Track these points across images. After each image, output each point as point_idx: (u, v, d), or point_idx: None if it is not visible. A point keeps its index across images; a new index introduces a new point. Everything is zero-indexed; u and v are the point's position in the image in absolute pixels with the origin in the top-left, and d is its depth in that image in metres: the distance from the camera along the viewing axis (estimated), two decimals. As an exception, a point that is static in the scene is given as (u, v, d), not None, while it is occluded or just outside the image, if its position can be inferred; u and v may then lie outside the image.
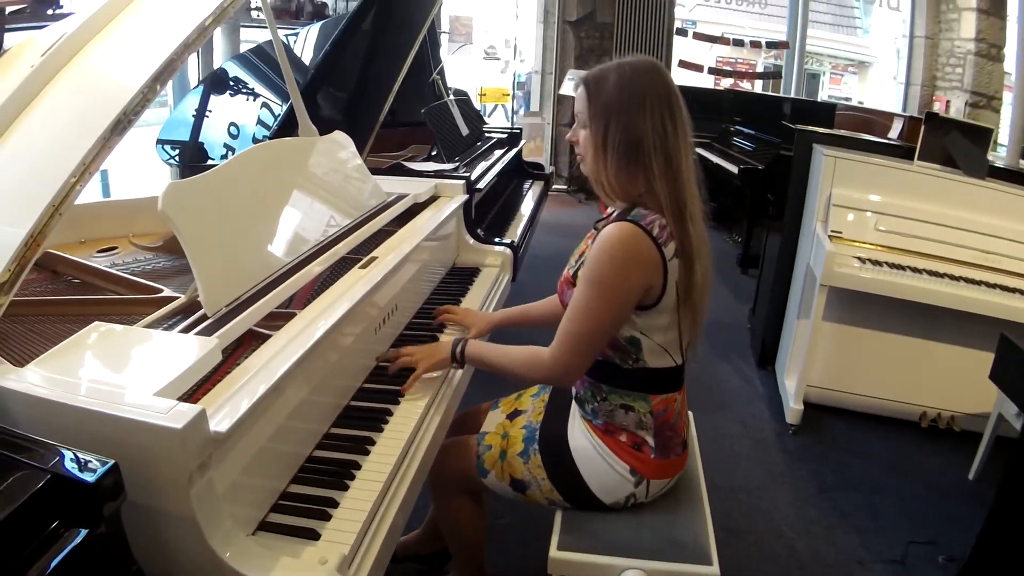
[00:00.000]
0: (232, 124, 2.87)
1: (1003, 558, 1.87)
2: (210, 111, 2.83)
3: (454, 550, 1.84)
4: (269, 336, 1.32)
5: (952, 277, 2.72)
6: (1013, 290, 2.68)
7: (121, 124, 1.18)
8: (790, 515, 2.48)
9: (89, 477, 0.83)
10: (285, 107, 2.52)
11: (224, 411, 1.03)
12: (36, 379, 1.04)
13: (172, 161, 2.79)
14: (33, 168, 1.27)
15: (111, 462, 0.84)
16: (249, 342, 1.35)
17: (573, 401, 1.60)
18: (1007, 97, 6.52)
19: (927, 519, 2.51)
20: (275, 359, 1.20)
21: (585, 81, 1.43)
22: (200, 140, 2.78)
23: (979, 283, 2.70)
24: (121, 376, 1.08)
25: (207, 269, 1.29)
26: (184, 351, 1.11)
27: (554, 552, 1.46)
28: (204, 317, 1.31)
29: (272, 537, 1.12)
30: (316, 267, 1.55)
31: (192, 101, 2.91)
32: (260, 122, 2.85)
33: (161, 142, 2.86)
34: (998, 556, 1.89)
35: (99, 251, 1.95)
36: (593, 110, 1.40)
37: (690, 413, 1.90)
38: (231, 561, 0.99)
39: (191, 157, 2.75)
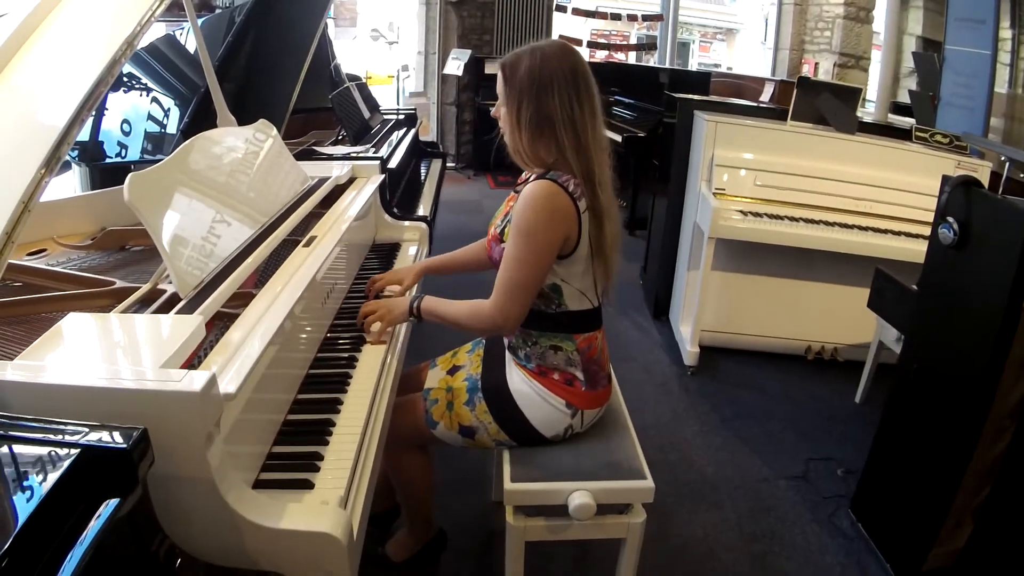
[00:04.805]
0: (125, 121, 2.84)
1: (894, 466, 2.18)
2: (107, 109, 2.79)
3: (405, 503, 1.99)
4: (235, 315, 1.39)
5: (827, 223, 3.05)
6: (883, 231, 3.05)
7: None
8: (697, 445, 2.76)
9: (122, 444, 0.83)
10: (195, 100, 2.54)
11: (228, 375, 1.12)
12: (32, 369, 1.01)
13: (74, 161, 2.75)
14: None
15: (140, 428, 0.86)
16: (212, 324, 1.39)
17: (507, 351, 1.78)
18: (875, 55, 6.94)
19: (821, 439, 2.83)
20: (258, 327, 1.30)
21: (502, 66, 1.60)
22: (100, 139, 2.75)
23: (852, 227, 3.05)
24: (118, 356, 1.11)
25: (175, 253, 1.37)
26: (171, 329, 1.18)
27: (508, 484, 1.62)
28: (171, 301, 1.39)
29: (270, 492, 1.19)
30: (266, 247, 1.63)
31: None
32: (151, 117, 2.83)
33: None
34: (890, 465, 2.20)
35: (28, 254, 1.89)
36: (508, 91, 1.58)
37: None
38: (246, 513, 1.07)
39: (91, 156, 2.71)
